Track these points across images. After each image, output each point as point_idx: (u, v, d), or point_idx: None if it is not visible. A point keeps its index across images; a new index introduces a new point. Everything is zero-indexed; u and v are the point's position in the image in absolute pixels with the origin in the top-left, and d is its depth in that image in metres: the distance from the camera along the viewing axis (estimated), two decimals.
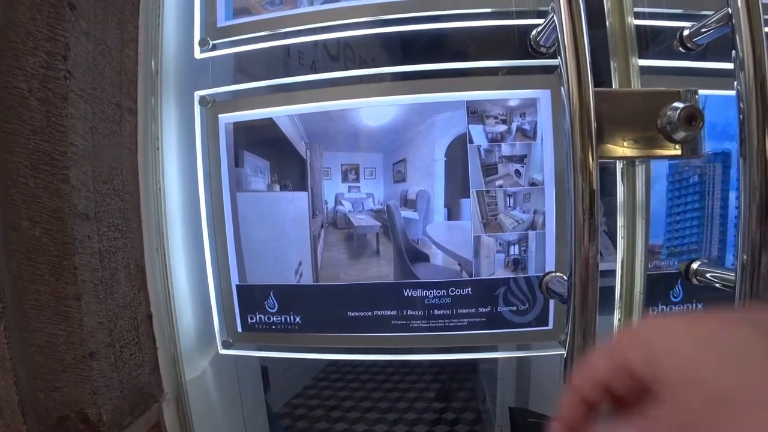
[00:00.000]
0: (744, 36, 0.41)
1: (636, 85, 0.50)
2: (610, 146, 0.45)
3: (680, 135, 0.44)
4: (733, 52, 0.40)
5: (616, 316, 0.54)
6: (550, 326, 0.55)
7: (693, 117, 0.43)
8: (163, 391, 0.50)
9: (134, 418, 0.45)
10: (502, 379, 1.03)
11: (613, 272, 0.53)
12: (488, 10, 0.51)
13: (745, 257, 0.40)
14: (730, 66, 0.41)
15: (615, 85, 0.51)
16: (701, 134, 0.47)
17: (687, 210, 0.56)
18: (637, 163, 0.49)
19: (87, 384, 0.42)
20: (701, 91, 0.49)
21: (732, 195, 0.56)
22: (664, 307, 0.57)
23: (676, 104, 0.44)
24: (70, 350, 0.42)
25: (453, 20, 0.52)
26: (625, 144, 0.46)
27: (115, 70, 0.48)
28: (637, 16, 0.51)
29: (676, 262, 0.56)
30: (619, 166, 0.50)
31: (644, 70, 0.52)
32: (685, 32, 0.51)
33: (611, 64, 0.50)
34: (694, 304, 0.57)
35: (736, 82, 0.40)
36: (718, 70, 0.55)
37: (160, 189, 0.52)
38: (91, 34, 0.45)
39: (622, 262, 0.52)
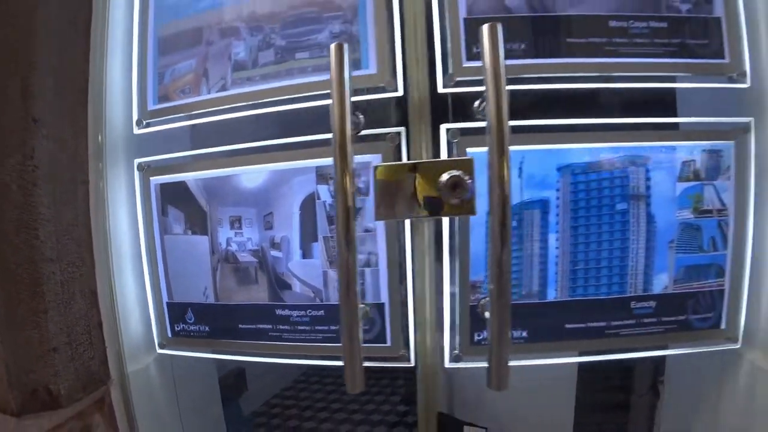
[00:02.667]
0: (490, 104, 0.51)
1: (429, 154, 0.64)
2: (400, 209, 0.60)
3: (453, 199, 0.58)
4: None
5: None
6: (389, 344, 0.71)
7: (456, 185, 0.57)
8: (110, 378, 0.73)
9: (86, 394, 0.69)
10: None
11: None
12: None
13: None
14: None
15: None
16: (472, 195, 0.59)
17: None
18: (427, 220, 0.64)
19: (51, 369, 0.66)
20: (522, 147, 0.63)
21: (552, 236, 0.68)
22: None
23: (445, 174, 0.58)
24: (40, 346, 0.66)
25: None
26: (414, 207, 0.60)
27: (70, 156, 0.71)
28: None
29: None
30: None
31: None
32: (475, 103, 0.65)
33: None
34: (518, 331, 0.70)
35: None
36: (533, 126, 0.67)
37: (107, 235, 0.74)
38: (50, 136, 0.68)
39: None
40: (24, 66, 0.65)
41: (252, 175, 0.73)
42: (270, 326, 0.75)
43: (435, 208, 0.59)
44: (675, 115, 0.70)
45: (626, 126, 0.68)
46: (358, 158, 0.69)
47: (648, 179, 0.68)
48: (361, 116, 0.65)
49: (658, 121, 0.69)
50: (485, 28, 0.52)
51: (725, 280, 0.71)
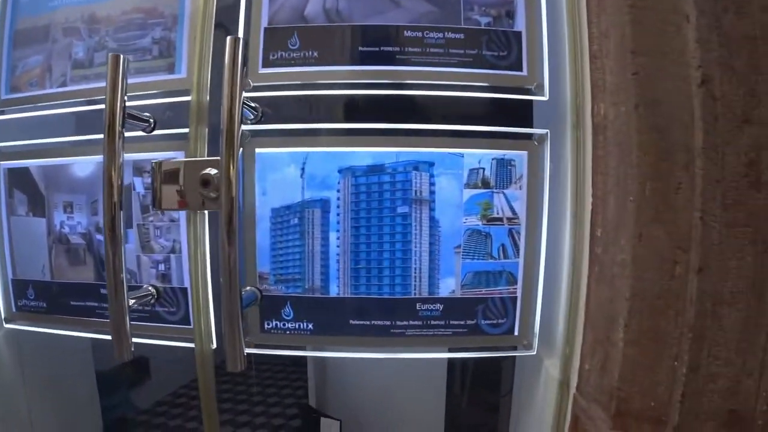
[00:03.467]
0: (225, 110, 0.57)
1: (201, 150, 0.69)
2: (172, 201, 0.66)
3: (210, 194, 0.63)
4: None
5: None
6: (191, 325, 0.76)
7: (207, 182, 0.62)
8: None
9: None
10: (311, 378, 1.21)
11: None
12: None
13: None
14: None
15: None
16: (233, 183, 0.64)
17: (289, 246, 0.72)
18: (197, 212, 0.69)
19: None
20: (306, 149, 0.67)
21: (333, 235, 0.72)
22: (278, 322, 0.74)
23: (204, 171, 0.63)
24: None
25: None
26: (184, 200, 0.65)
27: None
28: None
29: (283, 287, 0.73)
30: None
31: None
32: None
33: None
34: (304, 323, 0.74)
35: None
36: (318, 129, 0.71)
37: None
38: None
39: None
40: None
41: (82, 165, 0.80)
42: (96, 304, 0.81)
43: (192, 202, 0.64)
44: (469, 123, 0.72)
45: (411, 132, 0.71)
46: (166, 154, 0.75)
47: (432, 184, 0.71)
48: (151, 119, 0.71)
49: (446, 128, 0.71)
50: (229, 40, 0.57)
51: (517, 287, 0.72)
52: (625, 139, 0.54)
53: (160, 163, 0.67)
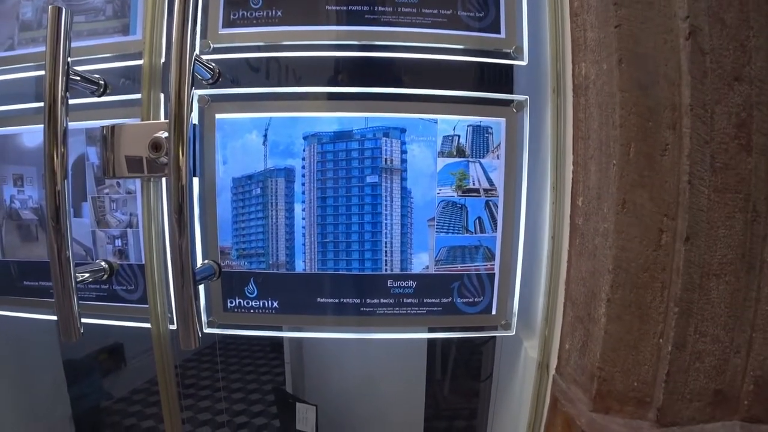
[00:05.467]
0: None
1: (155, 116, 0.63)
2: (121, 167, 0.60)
3: (161, 159, 0.57)
4: None
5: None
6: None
7: (157, 146, 0.56)
8: None
9: None
10: (288, 362, 1.17)
11: None
12: None
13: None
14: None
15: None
16: (192, 158, 0.58)
17: (251, 218, 0.67)
18: (151, 181, 0.63)
19: None
20: (269, 114, 0.61)
21: (298, 207, 0.66)
22: (241, 300, 0.69)
23: (156, 135, 0.57)
24: None
25: None
26: (129, 167, 0.60)
27: None
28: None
29: (246, 263, 0.68)
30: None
31: None
32: None
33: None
34: (268, 301, 0.69)
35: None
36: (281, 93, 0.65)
37: None
38: None
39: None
40: None
41: (31, 135, 0.73)
42: (51, 284, 0.75)
43: (136, 167, 0.58)
44: (443, 88, 0.66)
45: (381, 96, 0.65)
46: (120, 121, 0.69)
47: (404, 152, 0.65)
48: (102, 81, 0.65)
49: (419, 92, 0.66)
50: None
51: (495, 263, 0.68)
52: (607, 99, 0.48)
53: (111, 128, 0.61)
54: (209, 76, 0.61)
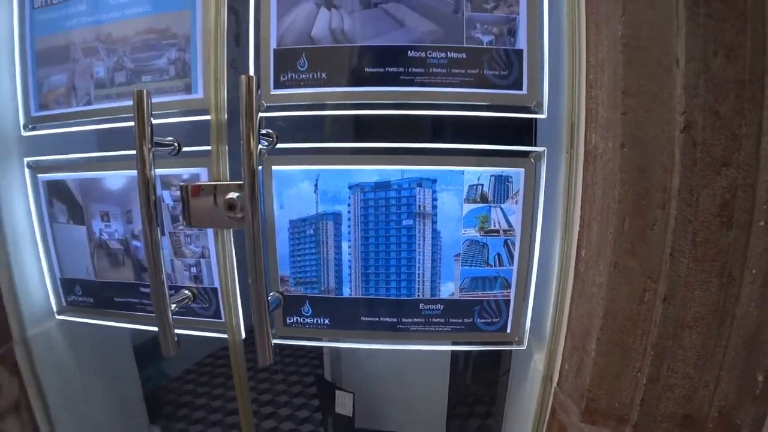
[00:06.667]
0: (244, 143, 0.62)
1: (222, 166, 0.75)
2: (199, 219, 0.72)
3: (236, 215, 0.69)
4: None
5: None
6: (223, 319, 0.85)
7: (232, 206, 0.68)
8: (11, 338, 0.91)
9: None
10: (326, 354, 1.34)
11: None
12: None
13: None
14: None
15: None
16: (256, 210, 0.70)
17: (306, 254, 0.80)
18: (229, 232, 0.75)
19: None
20: (318, 167, 0.73)
21: (345, 244, 0.78)
22: (298, 318, 0.83)
23: (228, 195, 0.69)
24: None
25: None
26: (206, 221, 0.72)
27: None
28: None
29: (302, 288, 0.81)
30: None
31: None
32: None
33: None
34: (321, 318, 0.82)
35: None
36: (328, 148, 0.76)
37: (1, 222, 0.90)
38: None
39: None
40: None
41: (114, 179, 0.86)
42: (137, 300, 0.91)
43: (212, 221, 0.71)
44: (470, 142, 0.76)
45: (415, 150, 0.75)
46: (190, 170, 0.80)
47: (435, 199, 0.76)
48: (176, 143, 0.76)
49: (448, 146, 0.75)
50: (243, 78, 0.60)
51: (511, 291, 0.79)
52: (610, 175, 0.58)
53: (187, 186, 0.73)
54: (267, 144, 0.72)
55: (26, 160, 0.91)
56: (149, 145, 0.66)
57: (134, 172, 0.71)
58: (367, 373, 1.35)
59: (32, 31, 0.87)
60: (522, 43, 0.74)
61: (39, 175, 0.91)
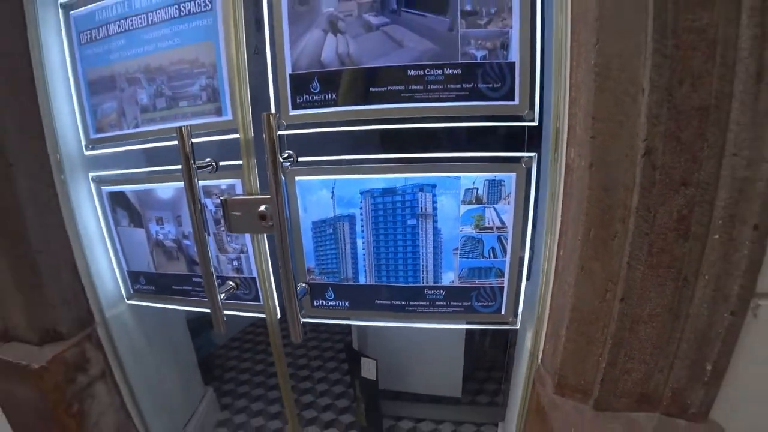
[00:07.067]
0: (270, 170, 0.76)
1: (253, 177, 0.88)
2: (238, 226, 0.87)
3: (268, 224, 0.84)
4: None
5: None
6: (261, 302, 1.02)
7: (264, 216, 0.82)
8: (94, 321, 1.13)
9: (79, 331, 1.09)
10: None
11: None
12: None
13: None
14: None
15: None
16: (283, 221, 0.83)
17: (327, 249, 0.94)
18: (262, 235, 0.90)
19: (57, 316, 1.06)
20: (333, 177, 0.85)
21: (359, 241, 0.92)
22: (323, 301, 0.98)
23: (260, 208, 0.83)
24: (48, 303, 1.05)
25: None
26: (243, 227, 0.87)
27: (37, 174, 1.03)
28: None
29: (325, 277, 0.96)
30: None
31: None
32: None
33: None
34: (342, 302, 0.98)
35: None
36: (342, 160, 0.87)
37: (76, 227, 1.08)
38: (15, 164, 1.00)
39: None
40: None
41: (164, 189, 1.01)
42: (190, 288, 1.09)
43: (248, 227, 0.85)
44: (466, 150, 0.84)
45: (417, 160, 0.84)
46: (226, 181, 0.94)
47: (435, 202, 0.86)
48: (213, 163, 0.89)
49: (446, 155, 0.84)
50: (264, 116, 0.71)
51: (504, 279, 0.91)
52: (580, 190, 0.66)
53: (226, 200, 0.87)
54: (289, 164, 0.84)
55: (90, 174, 1.08)
56: (194, 167, 0.80)
57: (181, 184, 0.85)
58: (390, 342, 1.53)
59: (83, 64, 1.00)
60: (514, 55, 0.79)
61: (102, 187, 1.08)
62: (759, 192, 0.59)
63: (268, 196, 0.79)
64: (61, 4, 0.98)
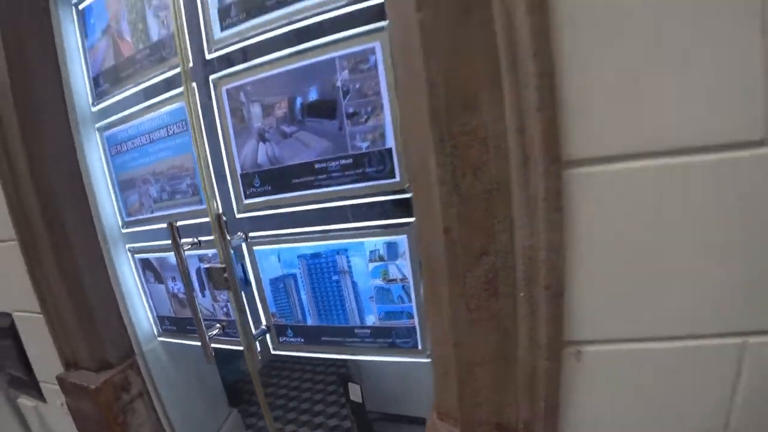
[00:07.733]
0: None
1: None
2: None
3: (221, 280, 1.15)
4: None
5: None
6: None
7: (225, 279, 1.13)
8: (134, 353, 1.52)
9: (124, 360, 1.49)
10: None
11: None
12: None
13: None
14: None
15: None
16: (245, 277, 1.14)
17: (281, 298, 1.21)
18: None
19: (107, 349, 1.47)
20: (278, 246, 1.14)
21: (303, 292, 1.18)
22: (286, 338, 1.26)
23: (224, 275, 1.14)
24: (110, 342, 1.47)
25: None
26: (222, 283, 1.18)
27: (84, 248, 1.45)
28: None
29: (284, 320, 1.24)
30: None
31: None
32: None
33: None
34: (299, 338, 1.24)
35: None
36: (282, 234, 1.15)
37: (119, 284, 1.50)
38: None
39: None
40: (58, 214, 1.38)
41: (174, 258, 1.37)
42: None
43: (216, 284, 1.16)
44: (367, 219, 1.07)
45: (333, 230, 1.09)
46: (209, 251, 1.27)
47: (349, 262, 1.10)
48: (197, 240, 1.22)
49: (352, 225, 1.07)
50: (214, 216, 1.02)
51: (414, 321, 1.10)
52: (426, 260, 0.85)
53: (208, 268, 1.20)
54: (241, 241, 1.14)
55: (127, 246, 1.48)
56: (182, 248, 1.12)
57: (188, 253, 1.19)
58: (383, 367, 1.75)
59: (115, 169, 1.41)
60: (390, 142, 1.01)
61: (135, 255, 1.48)
62: (541, 259, 0.74)
63: (217, 265, 1.10)
64: (97, 128, 1.41)
